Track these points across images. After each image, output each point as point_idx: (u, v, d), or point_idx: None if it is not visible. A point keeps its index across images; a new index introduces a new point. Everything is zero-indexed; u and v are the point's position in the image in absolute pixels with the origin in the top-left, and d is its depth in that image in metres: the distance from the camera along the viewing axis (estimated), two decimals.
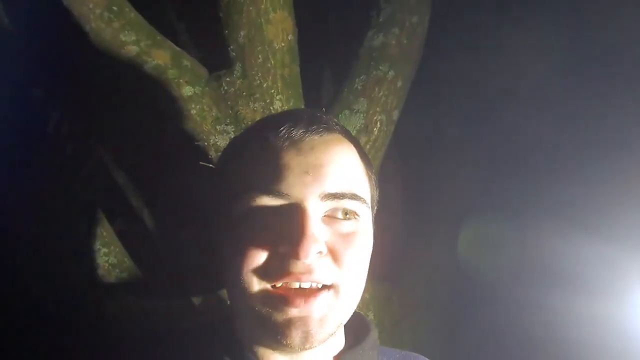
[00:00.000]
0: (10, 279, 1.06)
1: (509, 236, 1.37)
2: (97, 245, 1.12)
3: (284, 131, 0.58)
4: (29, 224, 1.10)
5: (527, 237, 1.35)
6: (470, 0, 1.48)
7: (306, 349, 0.55)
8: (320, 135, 0.59)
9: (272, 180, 0.56)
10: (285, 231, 0.55)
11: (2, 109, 1.17)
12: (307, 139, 0.58)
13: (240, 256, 0.56)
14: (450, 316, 1.49)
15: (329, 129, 0.60)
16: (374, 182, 0.66)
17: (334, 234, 0.57)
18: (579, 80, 1.36)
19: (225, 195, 0.60)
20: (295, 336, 0.54)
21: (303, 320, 0.54)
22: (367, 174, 0.64)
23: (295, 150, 0.57)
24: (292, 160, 0.56)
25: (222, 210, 0.60)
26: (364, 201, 0.59)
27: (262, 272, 0.56)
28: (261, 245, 0.55)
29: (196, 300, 1.02)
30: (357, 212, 0.59)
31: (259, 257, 0.55)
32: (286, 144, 0.58)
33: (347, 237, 0.58)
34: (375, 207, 0.68)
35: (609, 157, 1.32)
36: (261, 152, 0.58)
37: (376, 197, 0.67)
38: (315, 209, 0.55)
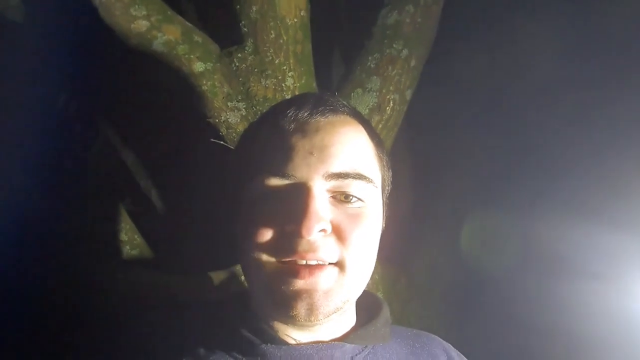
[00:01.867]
0: (23, 256, 1.07)
1: (514, 222, 1.37)
2: (108, 222, 1.11)
3: (291, 114, 0.60)
4: (40, 203, 1.10)
5: (531, 224, 1.36)
6: None
7: (311, 322, 0.56)
8: (326, 117, 0.60)
9: (279, 162, 0.57)
10: (292, 211, 0.56)
11: (12, 91, 1.16)
12: (312, 121, 0.59)
13: (251, 235, 0.58)
14: (456, 298, 1.50)
15: (335, 110, 0.61)
16: (385, 164, 0.66)
17: (340, 214, 0.58)
18: (586, 74, 1.36)
19: (239, 177, 0.62)
20: (301, 308, 0.55)
21: (309, 292, 0.55)
22: (378, 155, 0.64)
23: (301, 132, 0.59)
24: (298, 142, 0.58)
25: (237, 191, 0.62)
26: (371, 181, 0.60)
27: (271, 250, 0.57)
28: (270, 225, 0.57)
29: (207, 277, 1.02)
30: (364, 192, 0.59)
31: (268, 236, 0.57)
32: (292, 126, 0.59)
33: (353, 217, 0.58)
34: (388, 188, 0.68)
35: (613, 149, 1.32)
36: (270, 136, 0.60)
37: (388, 178, 0.67)
38: (319, 188, 0.57)
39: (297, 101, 0.62)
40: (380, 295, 1.19)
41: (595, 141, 1.34)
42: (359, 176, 0.58)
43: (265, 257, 0.57)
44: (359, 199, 0.59)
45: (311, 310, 0.55)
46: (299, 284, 0.55)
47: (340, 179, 0.57)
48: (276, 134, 0.59)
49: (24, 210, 1.09)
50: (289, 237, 0.56)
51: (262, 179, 0.58)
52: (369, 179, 0.59)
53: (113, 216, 1.12)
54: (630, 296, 1.23)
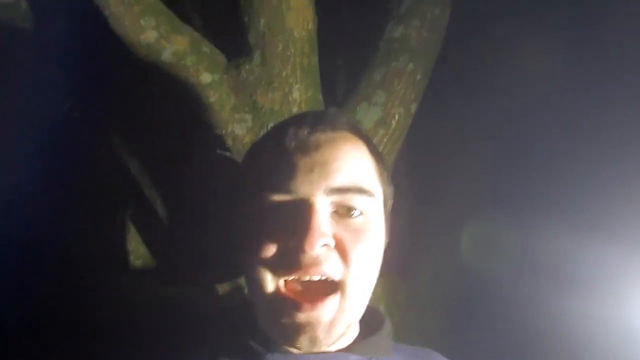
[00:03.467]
0: (24, 265, 1.07)
1: (515, 232, 1.38)
2: (111, 232, 1.12)
3: (291, 133, 0.62)
4: (43, 211, 1.11)
5: (533, 233, 1.36)
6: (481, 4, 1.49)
7: (314, 351, 0.58)
8: (325, 134, 0.62)
9: (282, 180, 0.59)
10: (295, 226, 0.57)
11: (17, 94, 1.17)
12: (312, 139, 0.61)
13: (254, 251, 0.59)
14: (456, 308, 1.51)
15: (333, 127, 0.63)
16: (385, 179, 0.67)
17: (342, 229, 0.59)
18: (585, 83, 1.38)
19: (244, 194, 0.64)
20: (303, 340, 0.56)
21: (311, 325, 0.56)
22: (378, 169, 0.65)
23: (302, 150, 0.61)
24: (299, 160, 0.60)
25: (241, 207, 0.64)
26: (372, 194, 0.61)
27: (275, 266, 0.58)
28: (273, 241, 0.59)
29: (211, 288, 1.02)
30: (365, 206, 0.60)
31: (272, 251, 0.58)
32: (293, 144, 0.61)
33: (355, 232, 0.59)
34: (390, 203, 0.69)
35: (612, 159, 1.33)
36: (273, 154, 0.62)
37: (390, 193, 0.69)
38: (321, 204, 0.58)
39: (298, 120, 0.65)
40: (382, 307, 1.20)
41: (597, 151, 1.35)
42: (360, 190, 0.60)
43: (268, 275, 0.58)
44: (361, 211, 0.60)
45: (314, 342, 0.56)
46: (301, 317, 0.56)
47: (341, 194, 0.59)
48: (278, 153, 0.62)
49: (26, 218, 1.10)
50: (293, 253, 0.57)
51: (265, 195, 0.60)
52: (370, 192, 0.61)
53: (117, 226, 1.12)
54: (632, 305, 1.23)
